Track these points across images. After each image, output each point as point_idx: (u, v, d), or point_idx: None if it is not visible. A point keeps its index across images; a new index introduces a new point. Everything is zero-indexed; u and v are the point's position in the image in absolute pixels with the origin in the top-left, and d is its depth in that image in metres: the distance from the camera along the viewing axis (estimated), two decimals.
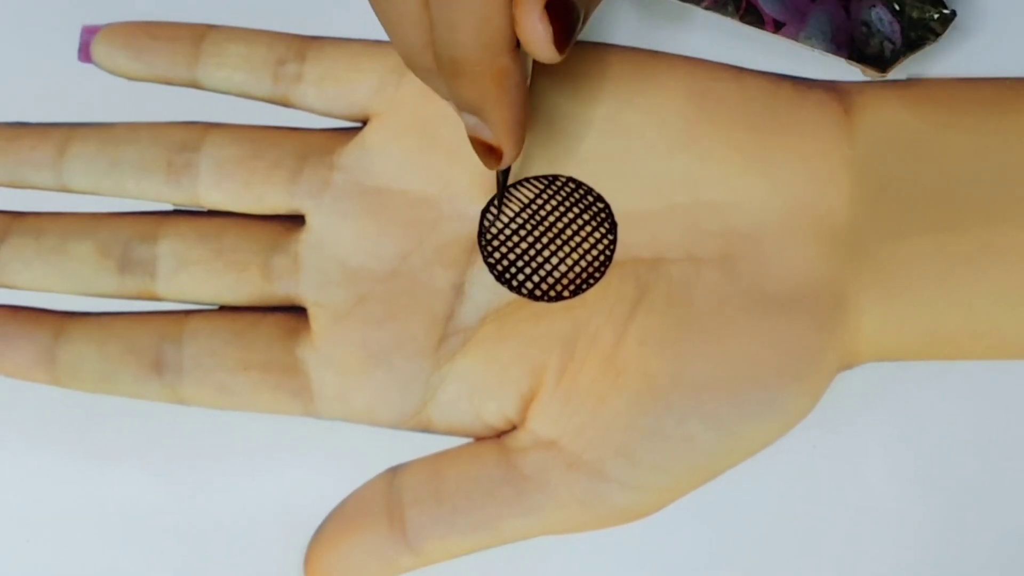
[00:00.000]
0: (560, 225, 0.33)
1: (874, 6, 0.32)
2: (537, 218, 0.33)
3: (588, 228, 0.32)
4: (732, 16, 0.32)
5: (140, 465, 0.32)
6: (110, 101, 0.34)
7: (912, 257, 0.31)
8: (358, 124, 0.34)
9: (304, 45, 0.34)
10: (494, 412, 0.31)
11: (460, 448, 0.32)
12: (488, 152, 0.29)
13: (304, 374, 0.32)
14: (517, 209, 0.33)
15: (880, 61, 0.33)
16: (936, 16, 0.33)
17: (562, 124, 0.33)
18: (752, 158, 0.32)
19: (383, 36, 0.34)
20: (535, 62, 0.33)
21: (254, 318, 0.32)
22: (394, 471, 0.32)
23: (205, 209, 0.33)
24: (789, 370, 0.31)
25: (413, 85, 0.33)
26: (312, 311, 0.32)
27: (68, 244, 0.33)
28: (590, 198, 0.33)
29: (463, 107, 0.28)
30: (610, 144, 0.33)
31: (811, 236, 0.32)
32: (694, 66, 0.33)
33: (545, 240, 0.33)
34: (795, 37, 0.32)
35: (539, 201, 0.33)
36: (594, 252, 0.32)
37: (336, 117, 0.34)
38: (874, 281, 0.31)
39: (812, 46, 0.32)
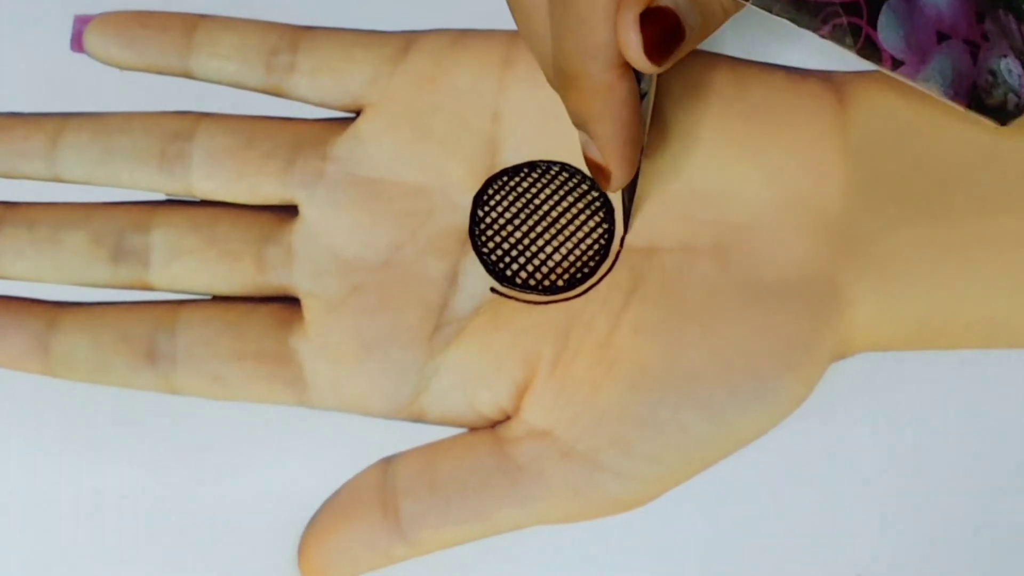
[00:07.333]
0: (555, 214, 0.33)
1: (1006, 56, 0.30)
2: (531, 207, 0.33)
3: (583, 216, 0.32)
4: (849, 48, 0.29)
5: (133, 455, 0.32)
6: (103, 91, 0.34)
7: (906, 246, 0.31)
8: (351, 114, 0.34)
9: (297, 35, 0.34)
10: (488, 402, 0.31)
11: (454, 438, 0.32)
12: (598, 171, 0.29)
13: (297, 364, 0.32)
14: (512, 198, 0.33)
15: (1001, 113, 0.30)
16: None
17: (557, 114, 0.33)
18: (746, 148, 0.32)
19: (377, 26, 0.34)
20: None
21: (247, 308, 0.32)
22: (388, 461, 0.32)
23: (198, 199, 0.33)
24: (783, 360, 0.31)
25: (407, 75, 0.33)
26: (305, 301, 0.32)
27: (61, 234, 0.33)
28: (585, 185, 0.33)
29: (573, 121, 0.29)
30: None
31: (805, 226, 0.32)
32: (689, 57, 0.33)
33: (539, 229, 0.32)
34: (912, 78, 0.29)
35: (533, 189, 0.33)
36: (588, 241, 0.32)
37: (329, 107, 0.34)
38: (868, 270, 0.31)
39: (929, 89, 0.30)
